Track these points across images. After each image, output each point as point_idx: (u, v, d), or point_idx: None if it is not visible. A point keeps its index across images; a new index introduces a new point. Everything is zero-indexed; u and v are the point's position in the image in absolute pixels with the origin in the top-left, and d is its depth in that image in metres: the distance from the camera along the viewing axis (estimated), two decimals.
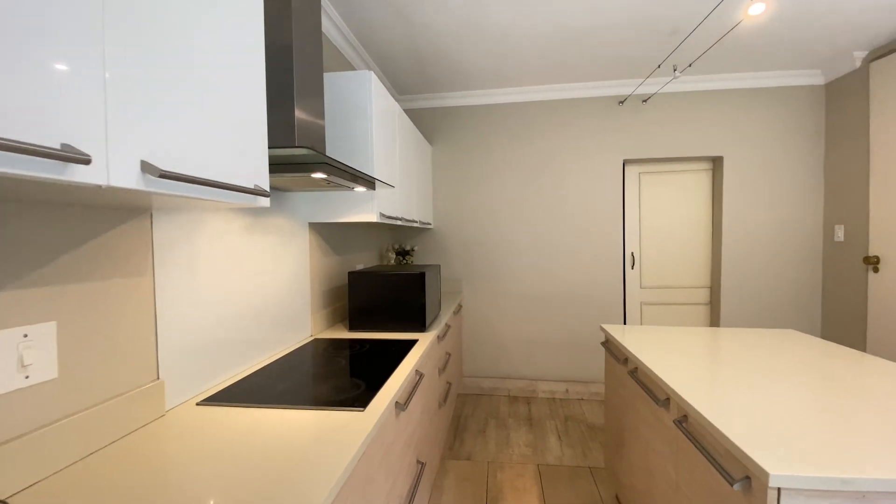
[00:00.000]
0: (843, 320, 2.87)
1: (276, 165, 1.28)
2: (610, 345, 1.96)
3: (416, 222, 2.74)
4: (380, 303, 1.98)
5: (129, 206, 1.00)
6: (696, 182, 3.29)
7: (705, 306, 3.31)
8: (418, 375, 1.59)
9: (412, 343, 1.80)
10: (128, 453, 0.94)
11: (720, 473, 0.94)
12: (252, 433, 1.01)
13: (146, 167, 0.69)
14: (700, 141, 3.15)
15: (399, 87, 3.22)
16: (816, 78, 3.03)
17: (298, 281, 1.87)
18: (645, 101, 3.18)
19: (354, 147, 1.84)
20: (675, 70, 2.46)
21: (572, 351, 3.33)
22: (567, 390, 3.32)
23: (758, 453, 0.87)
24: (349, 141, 1.84)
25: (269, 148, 1.11)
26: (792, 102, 3.06)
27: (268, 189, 1.03)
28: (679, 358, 1.53)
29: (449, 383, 2.46)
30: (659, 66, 2.50)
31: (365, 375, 1.39)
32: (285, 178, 1.37)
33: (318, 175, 1.29)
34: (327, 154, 1.72)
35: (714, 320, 3.24)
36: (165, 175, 0.70)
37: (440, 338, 2.17)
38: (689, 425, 1.17)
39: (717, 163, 3.23)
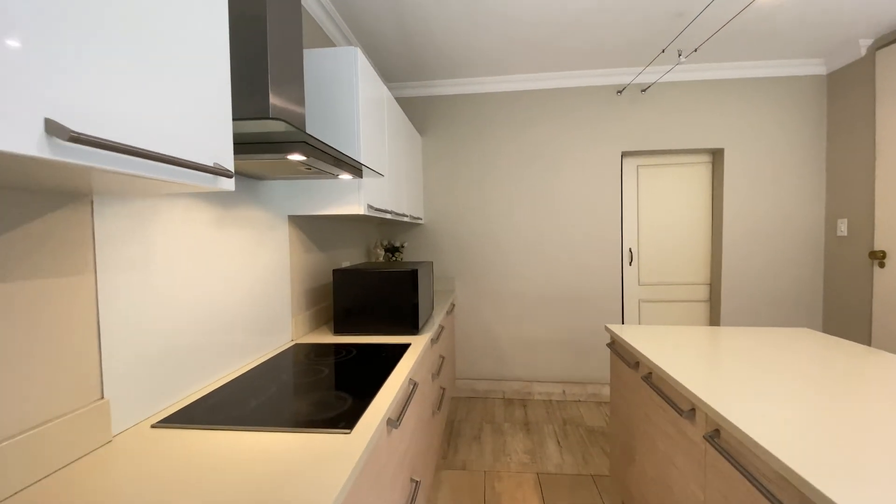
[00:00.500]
0: (845, 316, 2.80)
1: (246, 145, 1.10)
2: (617, 346, 1.83)
3: (407, 217, 2.57)
4: (368, 303, 1.81)
5: (57, 189, 0.81)
6: (696, 175, 3.18)
7: (705, 303, 3.22)
8: (412, 385, 1.42)
9: (404, 348, 1.63)
10: (63, 490, 0.75)
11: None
12: (215, 462, 0.83)
13: (52, 127, 0.50)
14: (700, 133, 3.04)
15: (387, 74, 3.04)
16: (819, 67, 2.95)
17: (277, 280, 1.68)
18: (644, 90, 3.05)
19: (338, 131, 1.66)
20: (679, 55, 2.33)
21: (569, 351, 3.20)
22: (564, 392, 3.20)
23: (826, 483, 0.73)
24: (332, 124, 1.66)
25: (237, 120, 0.93)
26: (793, 93, 2.97)
27: (231, 169, 0.85)
28: (697, 361, 1.39)
29: (443, 388, 2.30)
30: (663, 51, 2.37)
31: (352, 387, 1.22)
32: (258, 162, 1.19)
33: (296, 157, 1.11)
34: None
35: (714, 318, 3.15)
36: (79, 139, 0.52)
37: (434, 340, 2.01)
38: (723, 442, 1.03)
39: (717, 155, 3.12)
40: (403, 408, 1.24)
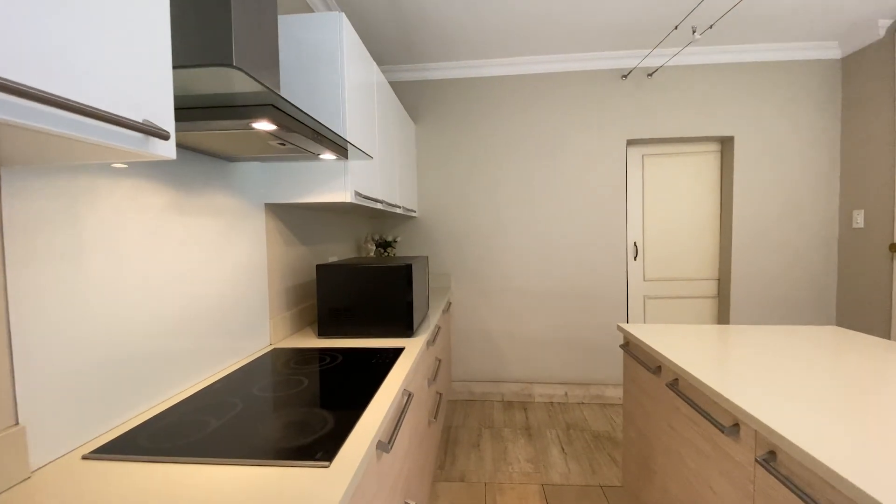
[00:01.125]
0: (861, 312, 2.66)
1: (201, 110, 0.90)
2: (633, 348, 1.65)
3: (399, 208, 2.37)
4: (357, 303, 1.62)
5: None
6: (704, 165, 3.03)
7: (713, 300, 3.07)
8: (406, 397, 1.24)
9: (398, 352, 1.44)
10: None
11: None
12: None
13: None
14: (709, 120, 2.88)
15: (378, 56, 2.83)
16: (833, 51, 2.80)
17: (251, 276, 1.48)
18: (650, 74, 2.88)
19: (322, 107, 1.46)
20: (694, 32, 2.16)
21: (571, 350, 3.03)
22: (566, 394, 3.03)
23: None
24: (314, 99, 1.46)
25: (184, 67, 0.73)
26: (806, 78, 2.82)
27: (169, 129, 0.65)
28: (731, 366, 1.22)
29: (439, 394, 2.12)
30: (676, 27, 2.19)
31: (336, 402, 1.03)
32: (222, 136, 0.99)
33: (264, 125, 0.91)
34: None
35: (723, 314, 3.00)
36: None
37: (430, 343, 1.82)
38: (782, 467, 0.85)
39: (726, 144, 2.97)
40: (396, 425, 1.05)
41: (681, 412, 1.29)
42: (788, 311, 2.89)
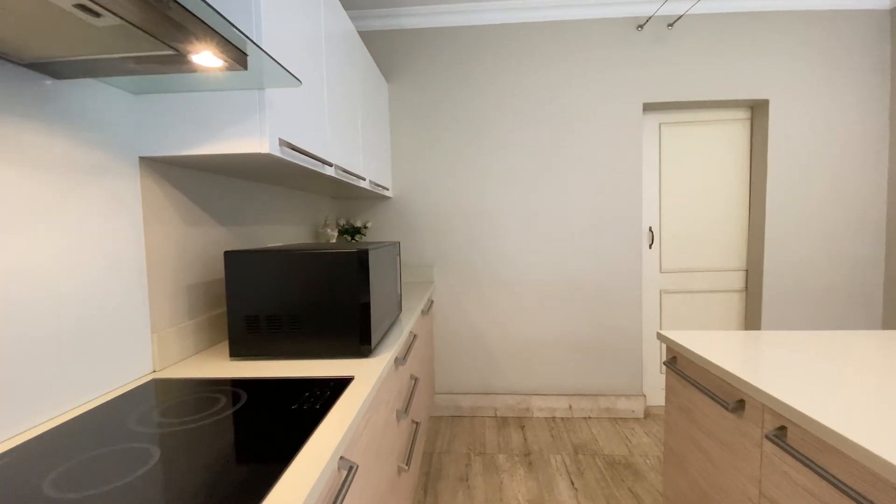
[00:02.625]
0: None
1: None
2: (686, 368, 1.17)
3: (365, 180, 1.84)
4: (286, 308, 1.09)
5: None
6: (731, 136, 2.56)
7: (739, 293, 2.62)
8: (348, 471, 0.72)
9: (342, 386, 0.92)
10: None
11: None
12: None
13: None
14: (740, 80, 2.41)
15: (343, 0, 2.28)
16: (881, 1, 2.35)
17: (115, 270, 0.95)
18: (671, 25, 2.39)
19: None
20: None
21: (576, 355, 2.56)
22: (570, 407, 2.56)
23: None
24: None
25: None
26: (852, 31, 2.36)
27: None
28: (878, 408, 0.75)
29: (416, 423, 1.61)
30: None
31: (218, 491, 0.51)
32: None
33: None
34: None
35: (752, 311, 2.56)
36: None
37: (401, 360, 1.31)
38: None
39: (757, 110, 2.50)
40: None
41: (791, 478, 0.81)
42: (826, 305, 2.46)
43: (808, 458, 0.75)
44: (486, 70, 2.48)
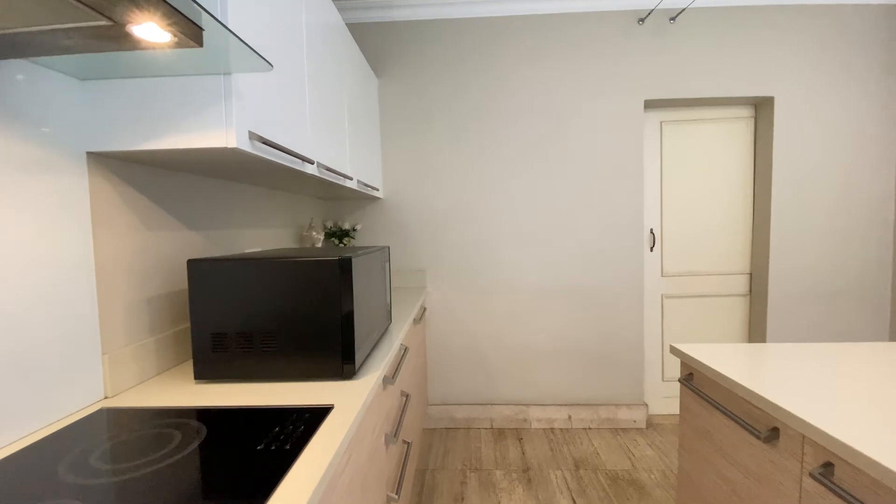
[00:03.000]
0: None
1: None
2: (706, 386, 1.06)
3: (352, 180, 1.72)
4: (257, 323, 0.96)
5: None
6: (734, 135, 2.47)
7: (743, 298, 2.53)
8: None
9: (319, 417, 0.80)
10: None
11: None
12: None
13: None
14: (744, 76, 2.32)
15: None
16: None
17: (58, 282, 0.81)
18: (673, 18, 2.30)
19: None
20: None
21: (575, 363, 2.45)
22: (570, 417, 2.45)
23: None
24: None
25: None
26: (862, 26, 2.29)
27: None
28: None
29: (407, 444, 1.49)
30: None
31: None
32: None
33: None
34: None
35: (756, 316, 2.47)
36: None
37: (389, 379, 1.19)
38: None
39: (762, 108, 2.42)
40: None
41: None
42: (832, 310, 2.38)
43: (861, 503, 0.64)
44: (481, 65, 2.36)
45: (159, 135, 0.87)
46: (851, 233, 2.35)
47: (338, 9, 2.32)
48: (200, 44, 0.67)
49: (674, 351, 1.18)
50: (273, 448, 0.68)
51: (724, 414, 0.94)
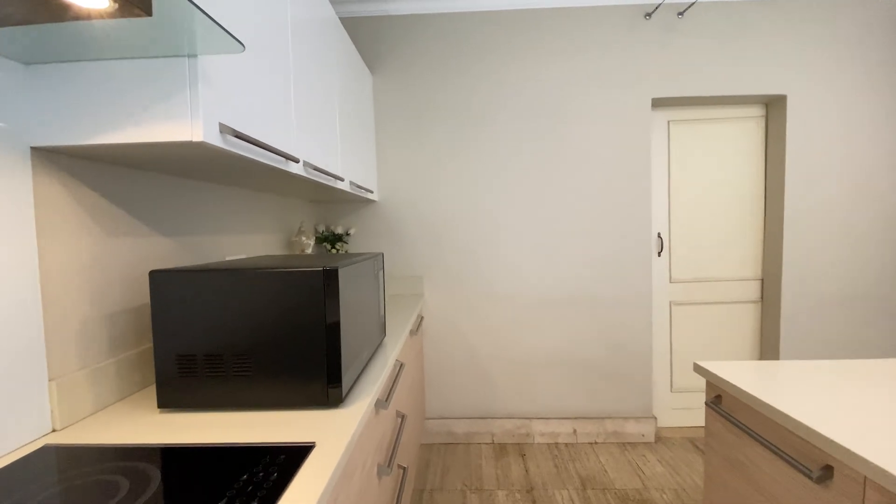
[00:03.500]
0: None
1: None
2: (739, 412, 0.94)
3: (344, 181, 1.60)
4: (230, 343, 0.84)
5: None
6: (745, 134, 2.37)
7: (755, 304, 2.42)
8: None
9: (299, 458, 0.67)
10: None
11: None
12: None
13: None
14: (754, 73, 2.22)
15: None
16: None
17: None
18: (681, 13, 2.20)
19: None
20: None
21: (580, 373, 2.33)
22: (575, 431, 2.33)
23: None
24: None
25: None
26: (879, 17, 2.19)
27: None
28: None
29: (403, 468, 1.36)
30: None
31: None
32: None
33: None
34: None
35: (769, 324, 2.36)
36: None
37: (383, 402, 1.06)
38: None
39: (773, 107, 2.32)
40: None
41: None
42: (851, 319, 2.27)
43: None
44: (481, 61, 2.26)
45: (115, 127, 0.75)
46: (868, 236, 2.25)
47: (331, 2, 2.21)
48: (149, 12, 0.55)
49: (698, 370, 1.06)
50: (256, 484, 0.56)
51: (764, 445, 0.83)
